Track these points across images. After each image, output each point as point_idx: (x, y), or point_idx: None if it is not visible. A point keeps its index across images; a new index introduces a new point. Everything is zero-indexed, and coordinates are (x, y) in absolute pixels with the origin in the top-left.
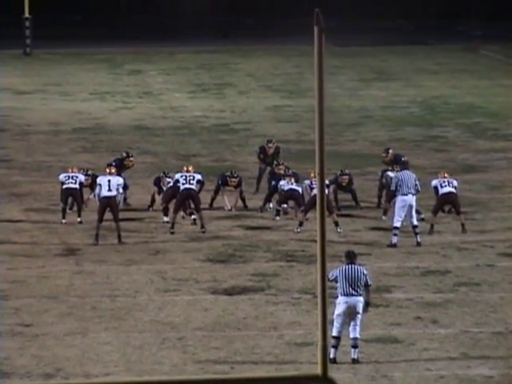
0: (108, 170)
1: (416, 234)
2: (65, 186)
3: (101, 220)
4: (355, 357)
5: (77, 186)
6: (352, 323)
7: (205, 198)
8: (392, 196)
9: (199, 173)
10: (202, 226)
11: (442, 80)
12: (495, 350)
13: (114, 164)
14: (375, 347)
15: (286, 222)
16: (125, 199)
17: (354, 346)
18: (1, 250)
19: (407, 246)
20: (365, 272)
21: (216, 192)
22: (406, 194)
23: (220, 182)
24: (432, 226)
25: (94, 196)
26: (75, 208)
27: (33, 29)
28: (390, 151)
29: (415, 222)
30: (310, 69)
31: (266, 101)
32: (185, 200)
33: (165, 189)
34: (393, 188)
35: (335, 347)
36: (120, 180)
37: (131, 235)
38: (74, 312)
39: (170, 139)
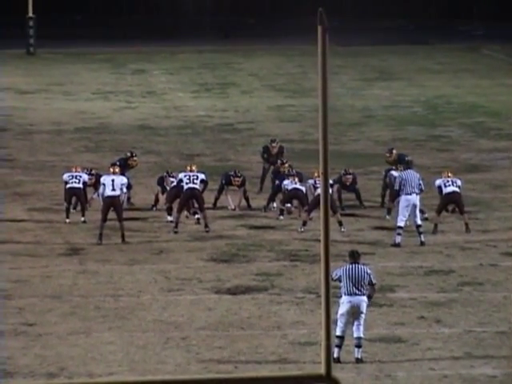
0: (112, 170)
1: (420, 233)
2: (68, 186)
3: (104, 219)
4: (359, 356)
5: (80, 185)
6: (356, 323)
7: (208, 197)
8: (396, 195)
9: (203, 172)
10: (206, 226)
11: (445, 80)
12: (499, 350)
13: (117, 163)
14: (379, 347)
15: (290, 222)
16: (128, 199)
17: (358, 346)
18: (4, 249)
19: (411, 246)
20: (368, 271)
21: (220, 191)
22: (410, 194)
23: (224, 182)
24: (436, 225)
25: (98, 195)
26: (79, 207)
27: (36, 28)
28: (394, 151)
29: (419, 222)
30: (313, 68)
31: (269, 100)
32: (188, 199)
33: (168, 188)
34: (396, 187)
35: (339, 347)
36: (124, 179)
37: (135, 235)
38: (78, 311)
39: (173, 139)
